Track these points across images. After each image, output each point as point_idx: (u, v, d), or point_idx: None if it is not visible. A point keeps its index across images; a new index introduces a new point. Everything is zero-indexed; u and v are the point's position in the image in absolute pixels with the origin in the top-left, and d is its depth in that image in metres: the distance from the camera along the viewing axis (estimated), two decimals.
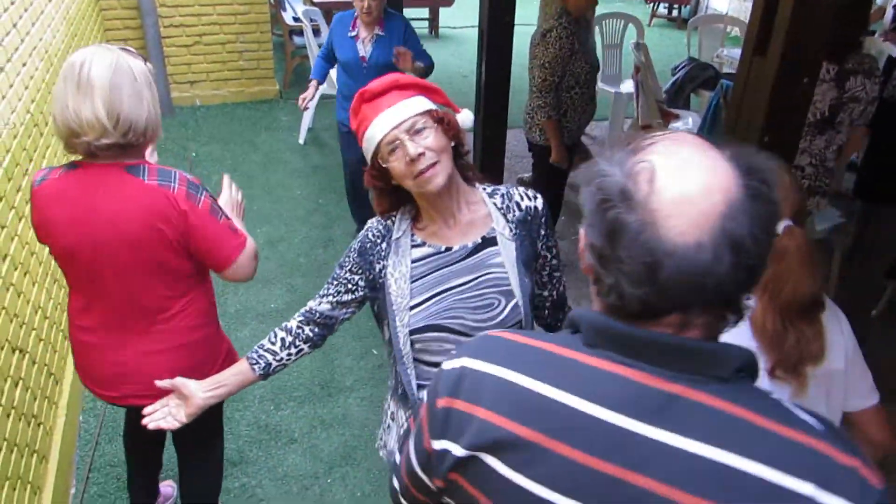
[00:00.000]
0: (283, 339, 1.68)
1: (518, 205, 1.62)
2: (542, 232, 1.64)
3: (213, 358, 2.01)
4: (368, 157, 1.54)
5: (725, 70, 5.22)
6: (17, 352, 2.45)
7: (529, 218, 1.62)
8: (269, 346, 1.68)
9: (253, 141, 5.85)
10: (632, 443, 0.79)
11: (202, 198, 1.78)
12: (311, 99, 4.08)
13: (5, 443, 2.22)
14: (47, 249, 2.93)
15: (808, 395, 1.50)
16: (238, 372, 1.68)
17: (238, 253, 1.86)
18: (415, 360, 1.61)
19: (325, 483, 2.82)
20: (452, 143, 1.53)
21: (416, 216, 1.61)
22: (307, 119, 5.72)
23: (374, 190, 1.59)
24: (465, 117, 1.63)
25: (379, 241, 1.60)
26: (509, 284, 1.57)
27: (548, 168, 3.80)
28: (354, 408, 3.20)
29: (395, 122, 1.47)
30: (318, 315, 1.68)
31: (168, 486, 2.63)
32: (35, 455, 2.47)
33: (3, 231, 2.50)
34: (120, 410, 3.03)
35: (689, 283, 0.75)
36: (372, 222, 1.64)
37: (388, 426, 1.79)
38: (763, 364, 1.48)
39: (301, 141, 5.77)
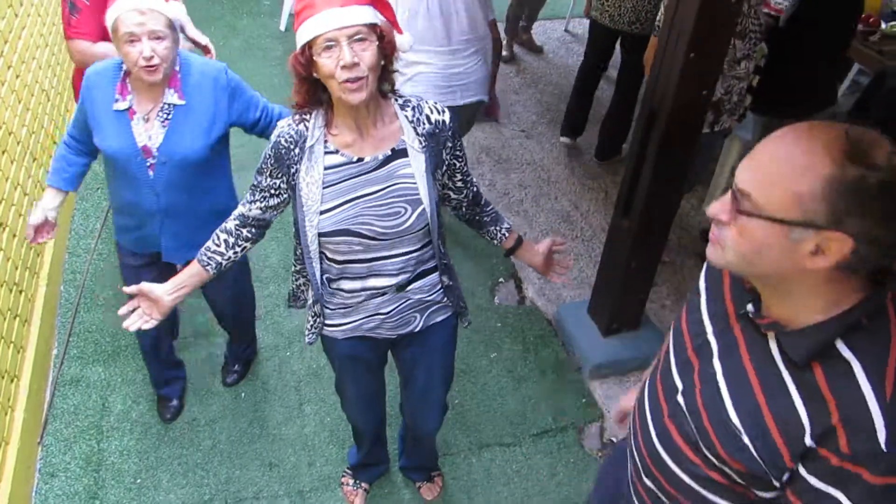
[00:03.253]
0: (226, 241, 1.84)
1: (428, 118, 1.70)
2: (450, 144, 1.75)
3: None
4: (301, 42, 1.54)
5: None
6: None
7: (437, 131, 1.71)
8: (215, 248, 1.84)
9: (234, 25, 5.83)
10: None
11: None
12: (47, 232, 2.28)
13: None
14: (25, 129, 3.08)
15: None
16: (194, 274, 1.84)
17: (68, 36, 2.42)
18: (321, 255, 1.77)
19: (284, 355, 3.11)
20: (383, 62, 1.60)
21: (329, 121, 1.68)
22: (288, 4, 5.66)
23: (296, 76, 1.62)
24: (405, 41, 1.67)
25: (292, 146, 1.66)
26: (417, 193, 1.69)
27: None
28: None
29: (341, 24, 1.49)
30: (251, 219, 1.82)
31: None
32: (17, 318, 2.72)
33: None
34: (98, 283, 3.29)
35: None
36: (283, 126, 1.67)
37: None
38: None
39: (282, 28, 5.74)
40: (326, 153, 1.67)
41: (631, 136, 2.60)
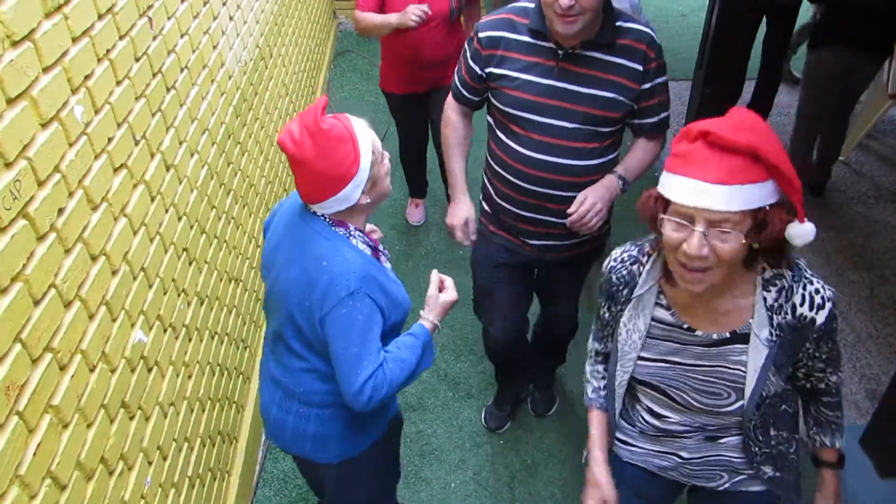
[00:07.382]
0: (602, 372, 1.72)
1: (794, 308, 1.36)
2: (810, 346, 1.42)
3: None
4: (661, 190, 1.30)
5: None
6: (232, 281, 2.64)
7: (800, 327, 1.38)
8: (604, 385, 1.71)
9: None
10: None
11: None
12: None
13: (218, 367, 2.42)
14: (263, 181, 3.11)
15: None
16: (603, 422, 1.69)
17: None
18: (625, 394, 1.62)
19: (497, 444, 2.85)
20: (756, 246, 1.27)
21: (667, 271, 1.40)
22: None
23: (643, 214, 1.37)
24: (804, 231, 1.25)
25: (621, 286, 1.52)
26: (744, 384, 1.43)
27: None
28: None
29: (705, 205, 1.20)
30: (607, 354, 1.71)
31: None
32: (241, 376, 2.69)
33: (229, 167, 2.66)
34: None
35: None
36: (616, 262, 1.52)
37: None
38: None
39: None
40: (657, 304, 1.46)
41: None
